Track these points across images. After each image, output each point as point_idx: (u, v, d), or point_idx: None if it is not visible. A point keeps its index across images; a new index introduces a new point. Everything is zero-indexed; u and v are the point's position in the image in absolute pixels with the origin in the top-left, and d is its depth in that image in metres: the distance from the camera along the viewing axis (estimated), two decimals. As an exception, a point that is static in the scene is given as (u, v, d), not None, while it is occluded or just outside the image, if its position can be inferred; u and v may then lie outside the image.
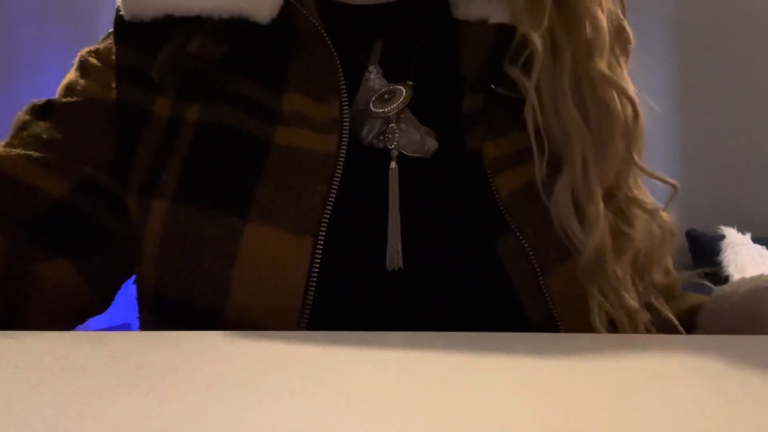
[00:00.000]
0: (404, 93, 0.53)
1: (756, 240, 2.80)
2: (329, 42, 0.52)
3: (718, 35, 3.14)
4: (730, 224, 2.81)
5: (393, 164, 0.51)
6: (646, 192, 0.56)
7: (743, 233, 2.80)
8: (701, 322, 0.54)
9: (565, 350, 0.38)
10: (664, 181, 0.56)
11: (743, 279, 0.54)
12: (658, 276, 0.55)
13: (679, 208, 0.56)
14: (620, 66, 0.55)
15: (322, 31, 0.52)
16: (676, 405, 0.27)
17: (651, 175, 0.55)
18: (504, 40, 0.53)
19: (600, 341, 0.45)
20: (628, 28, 0.57)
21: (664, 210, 0.55)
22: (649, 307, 0.53)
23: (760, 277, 0.52)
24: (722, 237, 2.77)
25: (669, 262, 0.58)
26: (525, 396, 0.27)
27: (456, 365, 0.32)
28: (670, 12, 3.12)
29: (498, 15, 0.54)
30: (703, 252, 2.72)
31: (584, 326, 0.49)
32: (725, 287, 0.54)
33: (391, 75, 0.55)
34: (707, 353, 0.38)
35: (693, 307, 0.56)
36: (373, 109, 0.53)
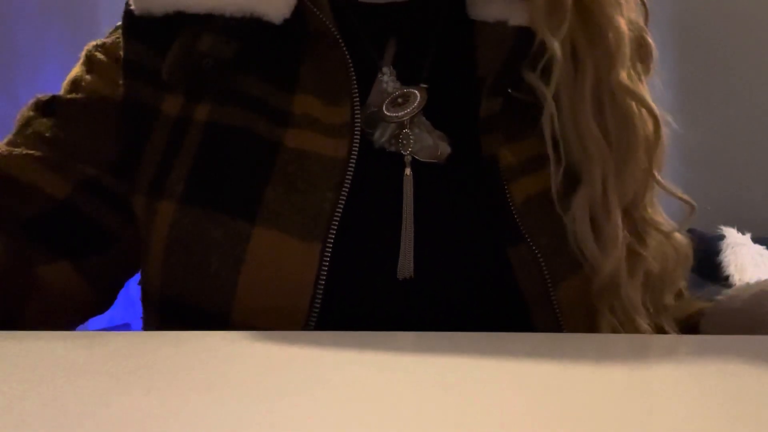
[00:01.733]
0: (418, 97, 0.52)
1: (756, 240, 2.79)
2: (342, 44, 0.51)
3: (718, 35, 3.13)
4: (730, 224, 2.81)
5: (408, 171, 0.50)
6: (662, 212, 0.55)
7: (743, 233, 2.80)
8: (703, 328, 0.54)
9: (565, 350, 0.38)
10: (681, 199, 0.54)
11: (746, 284, 0.53)
12: (669, 298, 0.55)
13: (680, 208, 0.55)
14: (641, 81, 0.53)
15: (336, 32, 0.51)
16: (676, 405, 0.27)
17: (670, 193, 0.54)
18: (523, 44, 0.51)
19: (600, 342, 0.45)
20: (650, 41, 0.55)
21: (679, 231, 0.54)
22: (659, 329, 0.52)
23: (762, 282, 0.52)
24: (722, 237, 2.77)
25: (682, 284, 0.57)
26: (525, 396, 0.27)
27: (456, 365, 0.32)
28: (670, 12, 3.12)
29: (518, 17, 0.52)
30: (703, 252, 2.72)
31: None
32: (727, 293, 0.54)
33: (405, 76, 0.54)
34: (708, 353, 0.38)
35: (695, 312, 0.56)
36: (386, 113, 0.52)
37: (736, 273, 2.62)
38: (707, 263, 2.64)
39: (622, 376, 0.31)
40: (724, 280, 2.52)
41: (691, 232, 0.56)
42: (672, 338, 0.50)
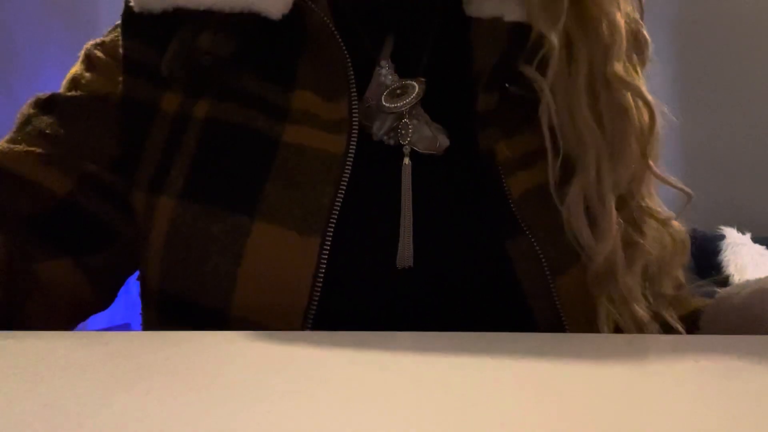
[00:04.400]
0: (417, 88, 0.53)
1: (756, 240, 2.79)
2: (340, 39, 0.51)
3: (718, 35, 3.13)
4: (730, 224, 2.81)
5: (406, 160, 0.50)
6: (659, 201, 0.56)
7: (743, 233, 2.80)
8: (703, 326, 0.54)
9: (565, 350, 0.38)
10: (677, 188, 0.55)
11: (746, 282, 0.53)
12: (668, 288, 0.55)
13: (679, 203, 0.55)
14: (637, 73, 0.54)
15: (333, 28, 0.51)
16: (676, 405, 0.27)
17: (665, 181, 0.54)
18: (519, 40, 0.52)
19: (601, 341, 0.45)
20: (646, 33, 0.56)
21: (677, 219, 0.54)
22: (658, 318, 0.52)
23: (762, 279, 0.52)
24: (722, 237, 2.77)
25: (681, 274, 0.57)
26: (525, 396, 0.27)
27: (456, 365, 0.32)
28: (670, 12, 3.12)
29: (513, 13, 0.53)
30: (703, 252, 2.72)
31: (591, 331, 0.49)
32: (727, 290, 0.54)
33: (403, 70, 0.54)
34: (708, 353, 0.38)
35: (695, 310, 0.56)
36: (385, 104, 0.52)
37: (736, 273, 2.62)
38: (707, 263, 2.64)
39: (622, 376, 0.31)
40: (724, 280, 2.52)
41: (691, 232, 0.56)
42: (672, 338, 0.50)
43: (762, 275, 0.53)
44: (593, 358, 0.36)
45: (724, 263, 2.70)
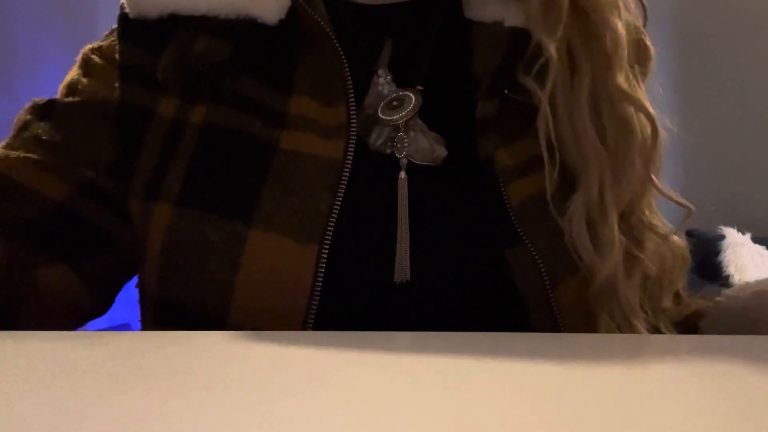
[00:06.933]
0: (413, 100, 0.52)
1: (756, 240, 2.79)
2: (337, 44, 0.51)
3: (718, 35, 3.13)
4: (730, 224, 2.81)
5: (402, 174, 0.50)
6: (659, 215, 0.55)
7: (743, 233, 2.80)
8: (704, 328, 0.54)
9: (564, 350, 0.38)
10: (678, 203, 0.54)
11: (746, 284, 0.53)
12: (667, 301, 0.54)
13: (679, 209, 0.55)
14: (639, 84, 0.53)
15: (330, 32, 0.51)
16: (676, 405, 0.27)
17: (667, 197, 0.53)
18: (519, 45, 0.51)
19: (600, 341, 0.45)
20: (648, 43, 0.55)
21: (676, 233, 0.54)
22: (657, 331, 0.52)
23: (760, 282, 0.52)
24: (722, 237, 2.77)
25: (680, 287, 0.57)
26: (525, 396, 0.27)
27: (456, 365, 0.32)
28: (670, 12, 3.12)
29: (514, 18, 0.52)
30: (703, 252, 2.72)
31: None
32: (726, 293, 0.54)
33: (401, 78, 0.54)
34: (708, 353, 0.38)
35: (695, 312, 0.56)
36: (381, 116, 0.52)
37: (736, 273, 2.62)
38: (707, 263, 2.63)
39: (621, 376, 0.31)
40: (724, 280, 2.52)
41: (691, 232, 0.56)
42: (671, 338, 0.50)
43: (762, 275, 0.53)
44: (592, 359, 0.36)
45: (724, 263, 2.70)
